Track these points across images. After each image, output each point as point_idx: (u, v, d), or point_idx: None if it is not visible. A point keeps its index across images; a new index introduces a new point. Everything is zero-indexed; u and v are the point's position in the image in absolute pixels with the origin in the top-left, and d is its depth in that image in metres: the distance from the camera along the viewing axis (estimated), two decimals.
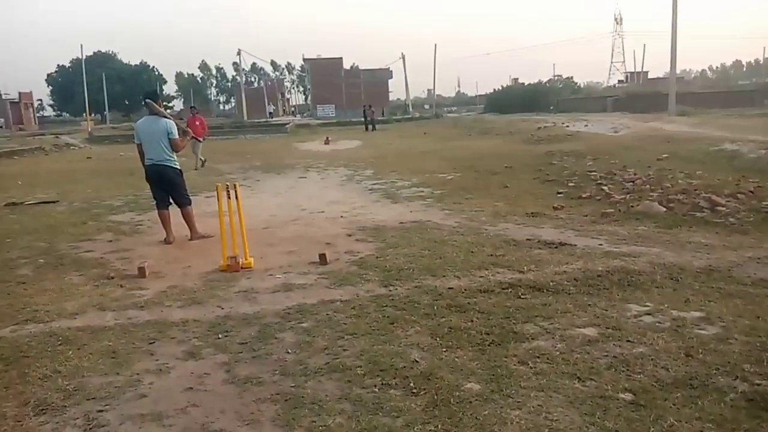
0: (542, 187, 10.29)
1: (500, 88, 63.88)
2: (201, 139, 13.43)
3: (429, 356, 3.42)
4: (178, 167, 7.02)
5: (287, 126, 37.30)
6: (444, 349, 3.51)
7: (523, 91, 56.69)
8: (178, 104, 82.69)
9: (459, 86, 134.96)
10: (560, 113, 38.00)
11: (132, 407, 2.99)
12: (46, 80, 74.66)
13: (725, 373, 3.08)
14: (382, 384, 3.10)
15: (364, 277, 5.01)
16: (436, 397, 2.92)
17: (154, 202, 7.09)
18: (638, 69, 69.93)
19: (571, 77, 68.92)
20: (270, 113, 57.84)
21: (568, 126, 22.65)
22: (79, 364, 3.50)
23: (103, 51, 73.14)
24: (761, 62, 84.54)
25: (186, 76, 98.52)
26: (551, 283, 4.62)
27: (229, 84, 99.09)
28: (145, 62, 77.06)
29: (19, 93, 58.36)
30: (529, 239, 6.22)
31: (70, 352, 3.66)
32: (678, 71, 33.42)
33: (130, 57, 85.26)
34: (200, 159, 15.53)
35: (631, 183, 9.68)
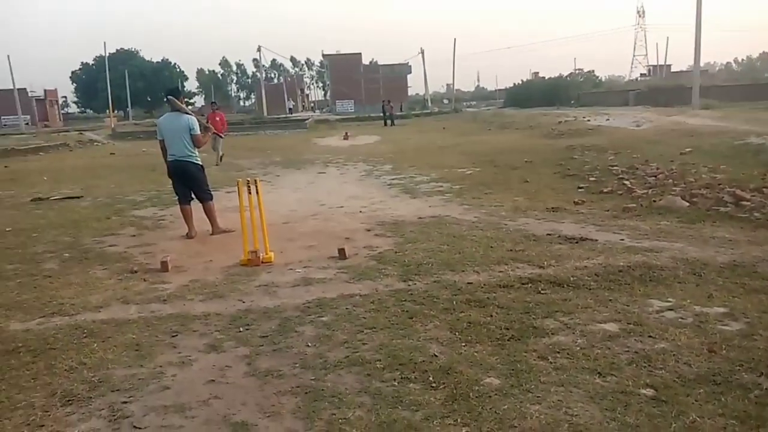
0: (563, 182, 10.20)
1: (520, 82, 63.23)
2: (222, 135, 13.53)
3: (448, 351, 3.42)
4: (200, 163, 7.09)
5: (306, 121, 37.37)
6: (463, 344, 3.51)
7: (543, 85, 56.05)
8: (199, 100, 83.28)
9: (478, 80, 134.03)
10: (581, 107, 37.53)
11: (155, 399, 3.05)
12: (70, 78, 75.73)
13: (749, 370, 3.04)
14: (402, 378, 3.11)
15: (383, 272, 5.02)
16: (455, 392, 2.93)
17: (176, 198, 7.18)
18: (661, 62, 68.73)
19: (593, 71, 68.13)
20: (290, 109, 57.96)
21: (589, 120, 22.39)
22: (103, 356, 3.57)
23: (125, 48, 73.93)
24: None
25: (207, 72, 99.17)
26: (572, 279, 4.59)
27: (249, 80, 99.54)
28: (167, 59, 77.74)
29: (45, 90, 59.36)
30: (549, 234, 6.18)
31: (95, 345, 3.74)
32: (702, 64, 32.86)
33: (152, 54, 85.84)
34: (216, 154, 15.66)
35: (654, 177, 9.55)
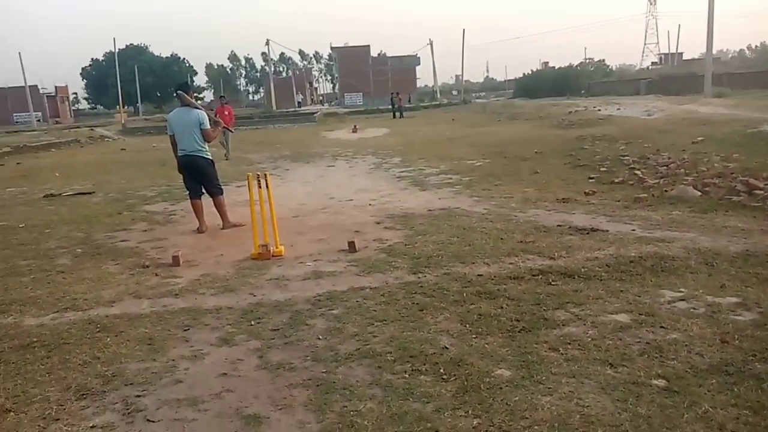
0: (573, 173, 10.14)
1: (530, 72, 62.89)
2: (232, 130, 13.58)
3: (459, 343, 3.43)
4: (210, 157, 7.12)
5: (315, 115, 37.40)
6: (474, 336, 3.51)
7: (553, 75, 55.68)
8: (208, 95, 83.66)
9: (488, 71, 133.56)
10: (592, 97, 37.29)
11: (168, 392, 3.07)
12: (80, 74, 76.29)
13: (762, 360, 3.02)
14: (412, 370, 3.12)
15: (393, 265, 5.03)
16: (466, 383, 2.93)
17: (187, 192, 7.21)
18: (672, 50, 68.00)
19: (603, 60, 67.53)
20: (298, 102, 58.00)
21: (599, 110, 22.23)
22: (117, 350, 3.61)
23: (135, 44, 74.31)
24: None
25: (216, 67, 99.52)
26: (582, 270, 4.57)
27: (258, 74, 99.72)
28: (176, 54, 77.96)
29: (56, 87, 59.73)
30: (559, 225, 6.16)
31: (108, 339, 3.77)
32: (714, 51, 32.34)
33: (161, 49, 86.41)
34: (225, 149, 15.71)
35: (665, 167, 9.47)
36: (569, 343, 3.33)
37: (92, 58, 74.65)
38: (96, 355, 3.55)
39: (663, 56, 72.65)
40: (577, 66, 61.63)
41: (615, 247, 5.16)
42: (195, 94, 7.63)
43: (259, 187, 5.80)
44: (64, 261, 5.92)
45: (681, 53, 67.14)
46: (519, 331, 3.53)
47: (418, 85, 67.87)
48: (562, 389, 2.83)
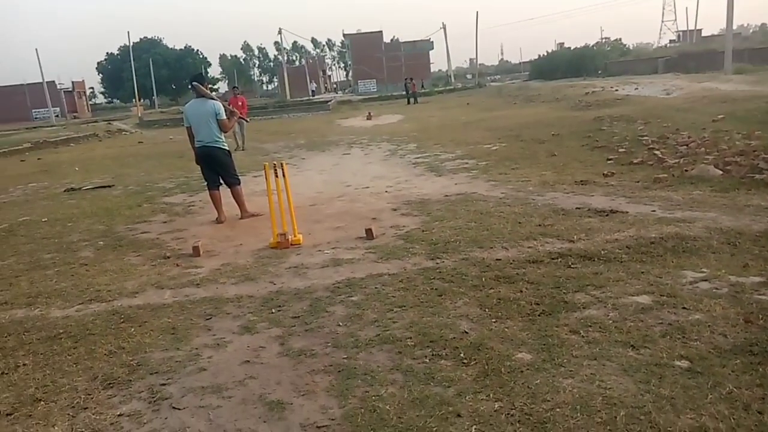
0: (591, 154, 10.02)
1: (545, 53, 62.01)
2: (247, 120, 13.63)
3: (478, 327, 3.43)
4: (227, 148, 7.16)
5: (329, 103, 37.33)
6: (493, 320, 3.51)
7: (569, 55, 54.93)
8: (222, 86, 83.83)
9: (502, 54, 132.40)
10: (609, 77, 36.75)
11: (193, 380, 3.12)
12: (96, 68, 76.85)
13: None
14: (433, 355, 3.13)
15: (410, 251, 5.03)
16: (486, 367, 2.94)
17: (205, 183, 7.27)
18: (691, 27, 66.71)
19: (620, 39, 66.49)
20: (312, 91, 57.98)
21: (617, 90, 21.90)
22: (141, 340, 3.67)
23: (148, 37, 74.59)
24: None
25: (229, 57, 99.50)
26: (602, 252, 4.54)
27: (272, 64, 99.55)
28: (190, 46, 78.09)
29: (73, 82, 60.38)
30: (578, 208, 6.11)
31: (133, 329, 3.84)
32: (735, 26, 31.65)
33: (175, 42, 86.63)
34: (239, 140, 15.77)
35: (685, 146, 9.32)
36: (590, 326, 3.31)
37: (107, 53, 75.21)
38: (121, 345, 3.61)
39: (681, 33, 71.35)
40: (593, 46, 60.75)
41: (635, 229, 5.11)
42: (210, 85, 7.65)
43: (276, 176, 5.82)
44: (87, 253, 6.02)
45: (700, 30, 65.84)
46: (539, 315, 3.53)
47: (432, 70, 67.43)
48: (584, 372, 2.83)
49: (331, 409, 2.72)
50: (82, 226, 7.40)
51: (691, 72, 27.96)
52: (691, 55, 38.45)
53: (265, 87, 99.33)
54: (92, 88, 79.98)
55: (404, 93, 35.85)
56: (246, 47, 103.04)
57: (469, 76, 66.16)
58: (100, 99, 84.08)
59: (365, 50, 62.58)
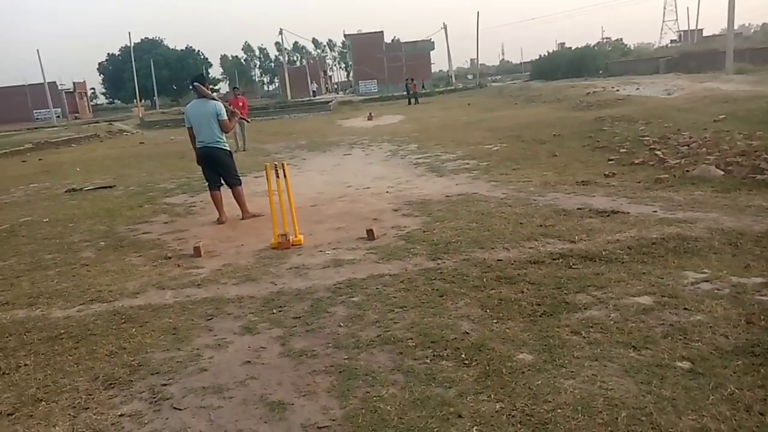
0: (592, 155, 10.02)
1: (546, 53, 62.03)
2: (248, 120, 13.65)
3: (479, 328, 3.43)
4: (228, 148, 7.16)
5: (330, 104, 37.34)
6: (495, 321, 3.51)
7: (570, 55, 54.89)
8: (223, 87, 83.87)
9: (503, 54, 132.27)
10: (610, 77, 36.73)
11: (194, 381, 3.12)
12: (97, 69, 76.88)
13: None
14: (434, 355, 3.13)
15: (411, 251, 5.03)
16: (488, 368, 2.93)
17: (206, 184, 7.27)
18: (692, 27, 66.63)
19: (621, 39, 66.39)
20: (313, 91, 58.02)
21: (618, 90, 21.90)
22: (142, 340, 3.67)
23: (149, 37, 74.60)
24: None
25: (230, 58, 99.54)
26: (604, 252, 4.53)
27: (273, 64, 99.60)
28: (191, 46, 78.05)
29: (74, 83, 60.44)
30: (579, 208, 6.10)
31: (134, 330, 3.84)
32: (736, 26, 31.62)
33: (175, 42, 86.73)
34: (239, 141, 15.77)
35: (686, 147, 9.31)
36: (591, 327, 3.31)
37: (108, 53, 75.24)
38: (122, 345, 3.61)
39: (682, 33, 71.26)
40: (594, 46, 60.70)
41: (636, 229, 5.11)
42: (211, 86, 7.65)
43: (277, 177, 5.82)
44: (88, 254, 6.02)
45: (701, 30, 65.77)
46: (540, 315, 3.52)
47: (432, 70, 67.40)
48: (585, 372, 2.82)
49: (332, 409, 2.72)
50: (83, 226, 7.40)
51: (692, 72, 27.94)
52: (693, 55, 38.42)
53: (266, 87, 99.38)
54: (93, 88, 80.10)
55: (405, 93, 35.85)
56: (247, 48, 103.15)
57: (470, 77, 66.04)
58: (102, 100, 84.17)
59: (366, 50, 62.62)
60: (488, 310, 3.66)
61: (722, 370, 2.75)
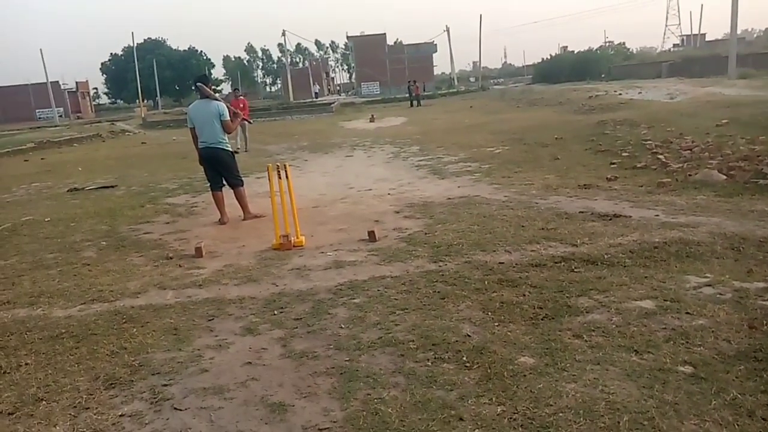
0: (595, 158, 10.01)
1: (549, 57, 61.96)
2: (250, 121, 13.67)
3: (481, 330, 3.42)
4: (230, 149, 7.17)
5: (332, 105, 37.37)
6: (496, 324, 3.50)
7: (572, 59, 54.85)
8: (226, 87, 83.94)
9: (505, 57, 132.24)
10: (612, 81, 36.70)
11: (195, 381, 3.12)
12: (100, 69, 76.97)
13: None
14: (435, 358, 3.12)
15: (413, 253, 5.02)
16: (489, 371, 2.93)
17: (208, 184, 7.27)
18: (695, 31, 66.69)
19: (623, 43, 66.33)
20: (315, 93, 58.09)
21: (620, 94, 21.88)
22: (143, 340, 3.67)
23: (152, 38, 74.69)
24: None
25: (233, 59, 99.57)
26: (606, 256, 4.52)
27: (275, 65, 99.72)
28: (193, 47, 78.18)
29: (76, 82, 60.54)
30: (581, 212, 6.09)
31: (135, 330, 3.83)
32: (739, 31, 31.64)
33: (178, 43, 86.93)
34: (241, 142, 15.77)
35: (689, 151, 9.30)
36: (593, 330, 3.30)
37: (111, 53, 75.27)
38: (123, 345, 3.61)
39: (685, 38, 71.36)
40: (596, 50, 60.64)
41: (639, 233, 5.10)
42: (213, 87, 7.67)
43: (279, 178, 5.83)
44: (90, 254, 6.02)
45: (704, 34, 65.86)
46: (542, 319, 3.52)
47: (435, 73, 67.36)
48: (587, 376, 2.82)
49: (333, 411, 2.72)
50: (85, 226, 7.41)
51: (694, 76, 27.93)
52: (695, 59, 38.44)
53: (268, 89, 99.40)
54: (96, 88, 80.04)
55: (407, 96, 35.87)
56: (249, 49, 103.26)
57: (472, 79, 66.07)
58: (104, 99, 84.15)
59: (369, 52, 62.53)
60: (490, 313, 3.65)
61: (724, 374, 2.74)
